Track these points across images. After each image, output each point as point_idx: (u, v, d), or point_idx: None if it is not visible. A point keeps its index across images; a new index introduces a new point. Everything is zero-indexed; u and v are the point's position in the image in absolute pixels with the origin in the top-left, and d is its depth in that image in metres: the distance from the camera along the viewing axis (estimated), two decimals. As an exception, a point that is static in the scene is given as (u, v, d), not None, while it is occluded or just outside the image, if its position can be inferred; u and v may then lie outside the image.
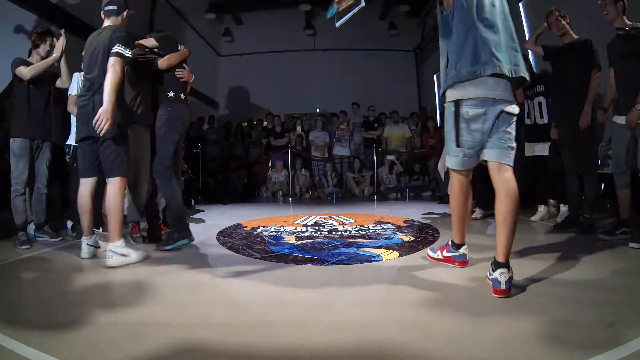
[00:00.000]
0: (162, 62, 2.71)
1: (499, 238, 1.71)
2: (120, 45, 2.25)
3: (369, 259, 2.38)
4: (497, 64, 1.69)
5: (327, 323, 1.48)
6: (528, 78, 1.77)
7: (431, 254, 2.29)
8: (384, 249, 2.62)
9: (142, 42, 2.69)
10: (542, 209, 3.61)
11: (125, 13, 2.47)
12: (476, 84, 1.72)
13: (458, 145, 1.82)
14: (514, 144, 1.78)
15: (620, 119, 2.60)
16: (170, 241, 2.68)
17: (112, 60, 2.23)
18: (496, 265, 1.69)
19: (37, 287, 1.97)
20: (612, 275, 1.92)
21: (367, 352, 1.25)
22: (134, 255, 2.30)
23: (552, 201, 3.73)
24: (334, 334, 1.38)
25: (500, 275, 1.65)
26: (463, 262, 2.13)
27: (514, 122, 1.78)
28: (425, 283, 1.91)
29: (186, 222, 2.79)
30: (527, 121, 3.60)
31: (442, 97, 1.91)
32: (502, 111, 1.73)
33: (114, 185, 2.32)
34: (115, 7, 2.43)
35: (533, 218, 3.59)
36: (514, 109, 1.76)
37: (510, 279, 1.66)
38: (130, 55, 2.32)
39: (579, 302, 1.58)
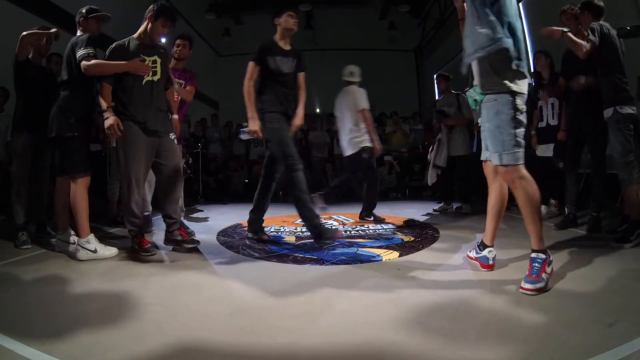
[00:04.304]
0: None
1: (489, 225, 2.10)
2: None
3: (369, 259, 2.39)
4: None
5: (327, 323, 1.48)
6: None
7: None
8: (384, 249, 2.63)
9: None
10: (542, 208, 3.60)
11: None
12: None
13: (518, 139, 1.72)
14: None
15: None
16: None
17: None
18: (484, 246, 2.10)
19: (37, 287, 1.96)
20: (612, 276, 1.92)
21: (367, 353, 1.25)
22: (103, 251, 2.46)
23: (553, 201, 3.73)
24: (334, 334, 1.38)
25: (489, 253, 2.07)
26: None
27: None
28: (425, 283, 1.92)
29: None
30: (541, 124, 3.59)
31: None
32: None
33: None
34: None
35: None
36: None
37: (495, 256, 2.08)
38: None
39: (579, 303, 1.58)
